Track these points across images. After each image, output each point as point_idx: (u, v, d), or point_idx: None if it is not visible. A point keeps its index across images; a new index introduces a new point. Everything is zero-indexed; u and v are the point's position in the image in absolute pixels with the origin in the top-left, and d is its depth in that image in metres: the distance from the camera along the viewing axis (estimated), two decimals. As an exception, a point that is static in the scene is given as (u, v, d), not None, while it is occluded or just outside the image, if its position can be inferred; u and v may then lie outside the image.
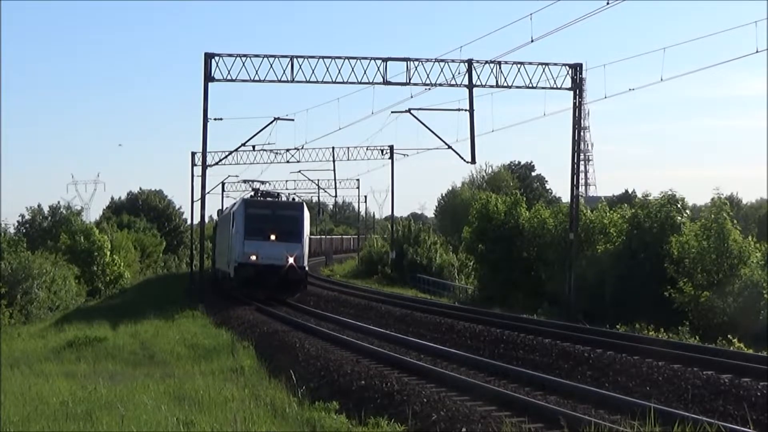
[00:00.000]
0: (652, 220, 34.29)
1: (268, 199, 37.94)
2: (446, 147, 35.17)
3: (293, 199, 38.73)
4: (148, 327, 29.05)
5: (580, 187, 35.48)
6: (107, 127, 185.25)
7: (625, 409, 12.47)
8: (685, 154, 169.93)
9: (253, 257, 34.32)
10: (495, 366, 17.25)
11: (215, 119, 36.07)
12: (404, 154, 58.83)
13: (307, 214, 35.61)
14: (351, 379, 15.90)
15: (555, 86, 32.77)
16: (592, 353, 18.63)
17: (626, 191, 75.41)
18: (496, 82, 32.41)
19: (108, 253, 55.47)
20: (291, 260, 34.03)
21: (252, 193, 39.65)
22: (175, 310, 33.34)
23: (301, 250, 34.62)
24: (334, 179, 61.84)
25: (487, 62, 32.30)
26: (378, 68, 31.88)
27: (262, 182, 42.54)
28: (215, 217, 73.89)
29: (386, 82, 32.05)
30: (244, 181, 46.17)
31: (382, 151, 59.85)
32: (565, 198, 45.41)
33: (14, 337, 27.46)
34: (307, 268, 35.45)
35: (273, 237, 34.41)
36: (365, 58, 32.00)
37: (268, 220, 34.82)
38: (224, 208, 53.06)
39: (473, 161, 33.70)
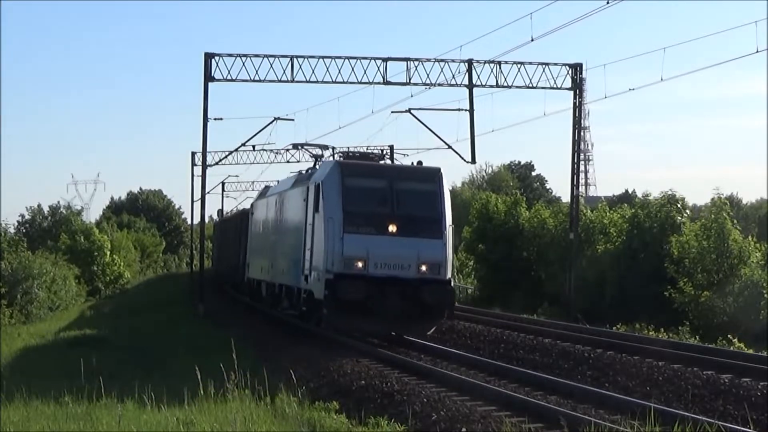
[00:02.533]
0: (652, 220, 34.28)
1: (379, 161, 24.09)
2: (446, 147, 35.08)
3: (414, 163, 23.27)
4: (148, 327, 29.09)
5: (580, 187, 35.45)
6: (107, 127, 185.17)
7: (625, 409, 12.48)
8: (684, 154, 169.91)
9: (359, 264, 20.27)
10: (495, 366, 17.25)
11: (215, 119, 35.90)
12: (404, 154, 58.38)
13: (447, 187, 21.77)
14: (351, 379, 15.90)
15: (555, 86, 32.74)
16: (592, 353, 18.64)
17: (626, 191, 75.31)
18: (496, 82, 32.39)
19: (108, 253, 55.43)
20: (426, 269, 20.41)
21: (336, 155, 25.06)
22: (175, 310, 33.35)
23: (444, 251, 20.65)
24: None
25: (487, 62, 32.29)
26: (378, 68, 31.86)
27: (324, 147, 27.45)
28: (215, 217, 73.66)
29: (386, 82, 32.01)
30: (295, 146, 29.13)
31: (382, 151, 59.80)
32: (565, 198, 45.42)
33: (14, 337, 27.44)
34: (453, 283, 21.86)
35: (393, 229, 20.55)
36: (365, 58, 31.97)
37: (383, 198, 21.06)
38: (265, 188, 34.21)
39: (473, 161, 33.62)
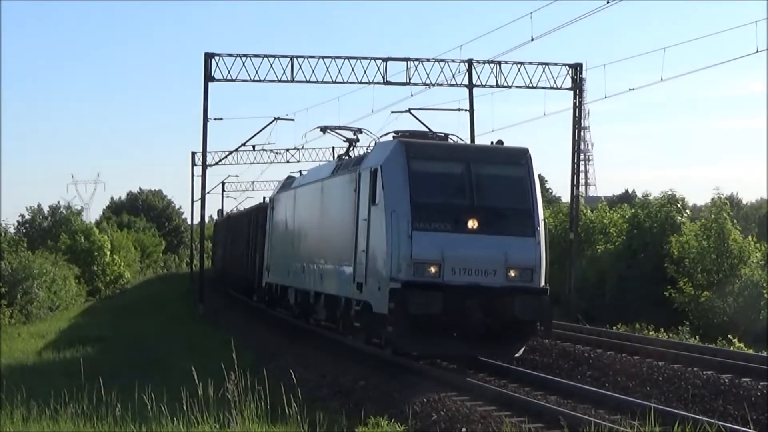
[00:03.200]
0: (652, 220, 34.31)
1: (448, 141, 19.42)
2: (446, 147, 34.98)
3: (494, 142, 18.90)
4: (148, 327, 29.09)
5: (580, 187, 35.48)
6: (107, 127, 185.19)
7: (625, 409, 12.48)
8: (685, 154, 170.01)
9: (432, 269, 16.29)
10: (495, 365, 17.24)
11: (215, 119, 35.96)
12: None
13: (536, 172, 17.78)
14: (351, 379, 15.91)
15: (555, 86, 32.74)
16: (592, 353, 18.64)
17: (626, 191, 75.29)
18: (496, 81, 32.42)
19: (108, 253, 55.42)
20: (515, 274, 16.54)
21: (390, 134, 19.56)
22: (175, 310, 33.34)
23: (537, 252, 16.79)
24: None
25: (487, 62, 32.32)
26: (378, 68, 31.87)
27: (358, 130, 23.41)
28: (215, 217, 73.63)
29: (386, 82, 32.03)
30: (323, 129, 23.82)
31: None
32: (565, 198, 45.41)
33: (14, 337, 27.43)
34: (549, 292, 16.93)
35: (474, 224, 16.60)
36: (365, 58, 31.98)
37: (459, 185, 17.07)
38: (288, 179, 28.32)
39: (474, 161, 33.49)
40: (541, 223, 17.15)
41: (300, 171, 25.75)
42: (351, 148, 22.99)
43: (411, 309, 15.81)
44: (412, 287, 15.94)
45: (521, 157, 17.49)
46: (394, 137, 18.78)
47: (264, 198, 43.02)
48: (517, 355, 17.30)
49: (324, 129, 23.70)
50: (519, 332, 16.83)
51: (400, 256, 16.22)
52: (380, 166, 17.15)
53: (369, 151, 19.80)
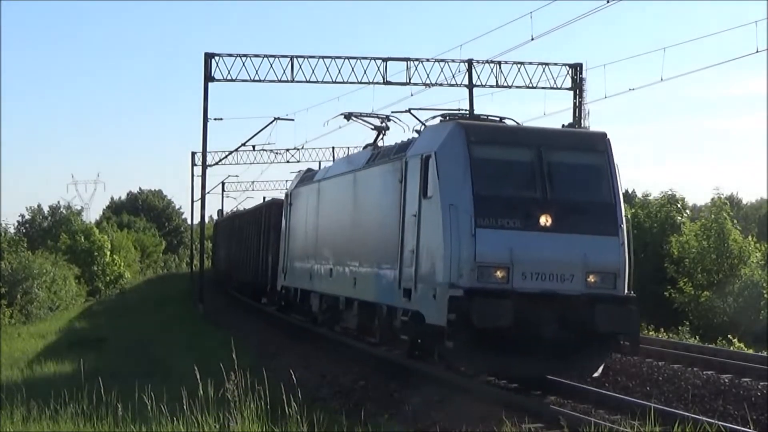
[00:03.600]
0: (652, 220, 34.31)
1: (511, 122, 16.67)
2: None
3: (565, 125, 17.75)
4: (148, 327, 29.10)
5: (580, 187, 35.41)
6: (107, 127, 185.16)
7: (625, 409, 12.46)
8: (685, 154, 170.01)
9: (500, 274, 14.10)
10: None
11: (215, 119, 36.00)
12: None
13: (616, 161, 15.23)
14: (351, 379, 15.91)
15: (555, 86, 32.78)
16: (592, 353, 18.60)
17: (626, 191, 75.17)
18: (496, 81, 32.45)
19: (108, 253, 55.49)
20: (595, 280, 14.45)
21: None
22: (175, 310, 33.34)
23: (621, 254, 15.08)
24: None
25: (487, 62, 32.34)
26: (378, 68, 31.90)
27: (386, 117, 21.44)
28: (215, 217, 73.64)
29: (386, 82, 32.06)
30: (348, 117, 22.11)
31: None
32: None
33: (14, 337, 27.46)
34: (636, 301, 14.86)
35: (547, 221, 14.37)
36: (365, 58, 32.00)
37: (529, 175, 14.74)
38: (308, 171, 26.62)
39: (474, 161, 33.47)
40: (624, 220, 15.30)
41: (320, 163, 24.17)
42: (380, 137, 20.89)
43: (476, 321, 13.50)
44: (477, 295, 13.65)
45: (600, 142, 15.15)
46: (442, 120, 16.54)
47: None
48: (595, 375, 14.75)
49: (348, 116, 21.78)
50: (598, 348, 14.41)
51: (461, 258, 13.96)
52: (434, 153, 14.76)
53: (415, 135, 17.24)
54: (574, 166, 14.96)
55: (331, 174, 21.92)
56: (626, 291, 14.72)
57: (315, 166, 31.86)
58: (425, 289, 14.79)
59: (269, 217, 32.28)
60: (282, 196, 32.80)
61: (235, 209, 62.15)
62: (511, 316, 13.49)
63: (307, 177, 24.86)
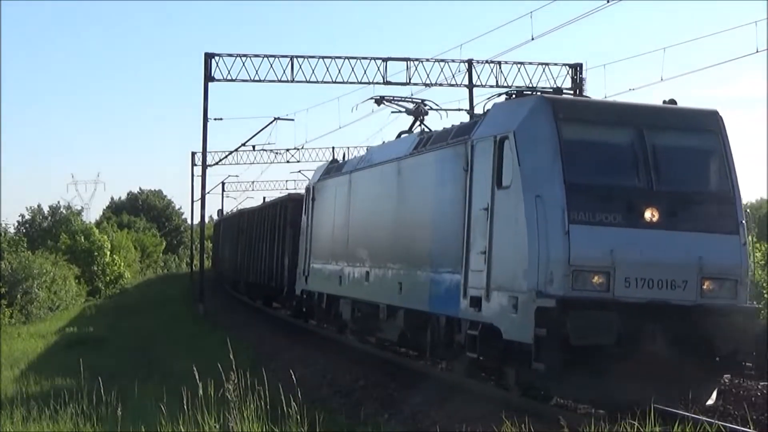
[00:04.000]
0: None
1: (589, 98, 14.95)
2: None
3: (666, 101, 13.64)
4: (148, 327, 29.10)
5: (580, 187, 35.46)
6: (107, 127, 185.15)
7: (626, 409, 12.45)
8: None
9: (598, 280, 11.60)
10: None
11: (215, 119, 36.01)
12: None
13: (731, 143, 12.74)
14: (351, 379, 15.92)
15: (555, 86, 32.78)
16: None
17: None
18: (496, 82, 32.48)
19: (108, 253, 55.48)
20: (710, 287, 11.95)
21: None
22: (175, 310, 33.34)
23: (743, 255, 12.47)
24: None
25: (487, 62, 32.37)
26: (378, 68, 31.91)
27: (422, 102, 19.87)
28: (215, 217, 73.61)
29: (386, 82, 32.07)
30: (379, 102, 20.38)
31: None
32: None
33: (14, 337, 27.45)
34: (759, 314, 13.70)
35: (653, 216, 11.89)
36: (365, 58, 32.01)
37: (631, 161, 12.28)
38: (333, 162, 23.99)
39: (474, 161, 33.45)
40: (745, 215, 12.98)
41: (335, 156, 22.36)
42: (418, 123, 18.88)
43: (573, 338, 11.21)
44: (574, 306, 11.32)
45: (712, 122, 12.73)
46: (512, 95, 13.77)
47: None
48: (710, 402, 12.38)
49: (380, 100, 19.88)
50: (713, 369, 12.13)
51: (551, 260, 11.55)
52: (513, 133, 12.26)
53: (482, 115, 14.12)
54: (684, 149, 12.56)
55: (366, 163, 19.00)
56: (748, 301, 12.47)
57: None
58: (502, 298, 12.32)
59: (286, 214, 29.33)
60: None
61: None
62: (616, 331, 11.31)
63: (332, 168, 21.94)
